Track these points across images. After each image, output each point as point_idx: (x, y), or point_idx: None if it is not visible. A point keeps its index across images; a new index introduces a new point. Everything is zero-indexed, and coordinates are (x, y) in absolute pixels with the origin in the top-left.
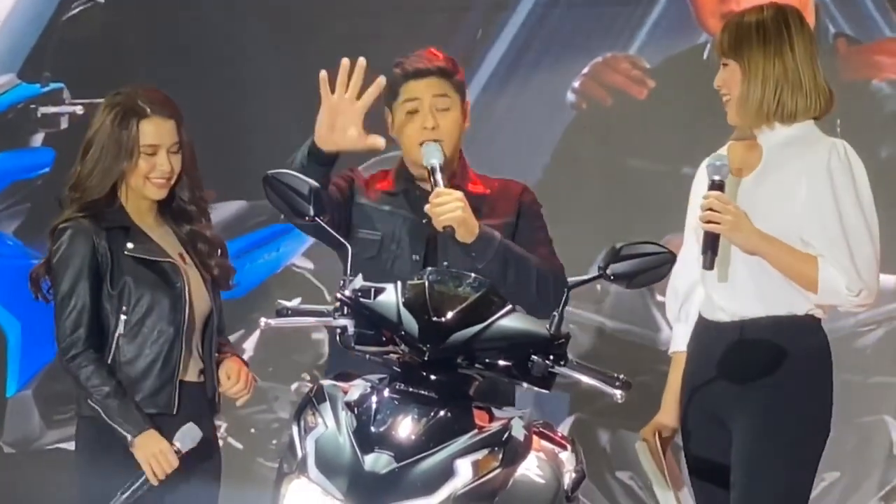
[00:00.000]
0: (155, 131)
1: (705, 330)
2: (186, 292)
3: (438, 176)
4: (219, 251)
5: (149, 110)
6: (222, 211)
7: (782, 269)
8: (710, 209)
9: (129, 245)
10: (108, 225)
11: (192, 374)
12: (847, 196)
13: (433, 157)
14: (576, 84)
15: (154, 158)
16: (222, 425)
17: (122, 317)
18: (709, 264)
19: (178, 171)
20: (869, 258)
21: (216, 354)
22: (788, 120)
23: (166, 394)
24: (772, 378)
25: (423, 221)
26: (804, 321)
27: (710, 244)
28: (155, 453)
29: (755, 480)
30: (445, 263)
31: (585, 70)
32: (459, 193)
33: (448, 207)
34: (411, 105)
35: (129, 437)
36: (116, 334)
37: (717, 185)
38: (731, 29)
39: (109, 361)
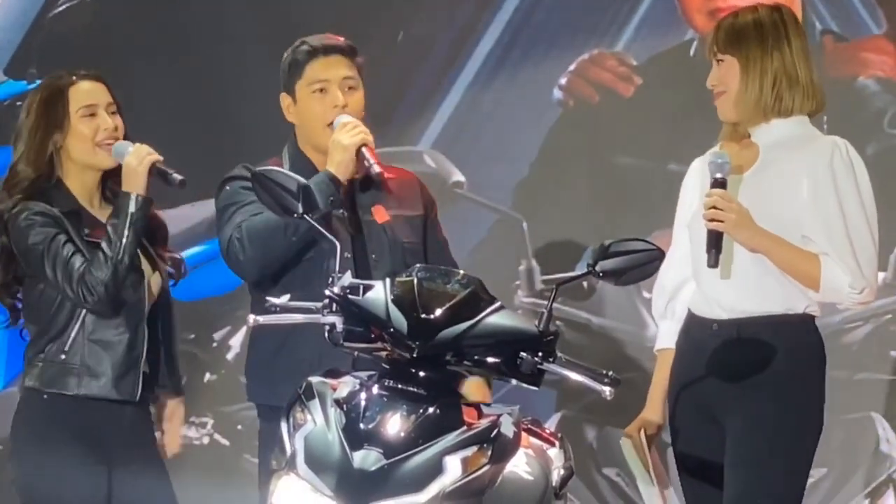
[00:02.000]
0: (88, 92)
1: (698, 327)
2: (146, 279)
3: (367, 153)
4: (166, 238)
5: (74, 77)
6: (207, 208)
7: (784, 266)
8: (714, 207)
9: (86, 230)
10: (61, 209)
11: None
12: (850, 195)
13: None
14: (562, 81)
15: (95, 119)
16: (209, 422)
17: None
18: (713, 262)
19: (122, 131)
20: (871, 257)
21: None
22: (785, 114)
23: (130, 381)
24: (768, 376)
25: (342, 213)
26: (801, 319)
27: (714, 242)
28: (144, 154)
29: (750, 478)
30: (374, 256)
31: (572, 67)
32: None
33: (355, 131)
34: (319, 84)
35: (131, 196)
36: (83, 311)
37: (719, 183)
38: (726, 26)
39: (73, 335)
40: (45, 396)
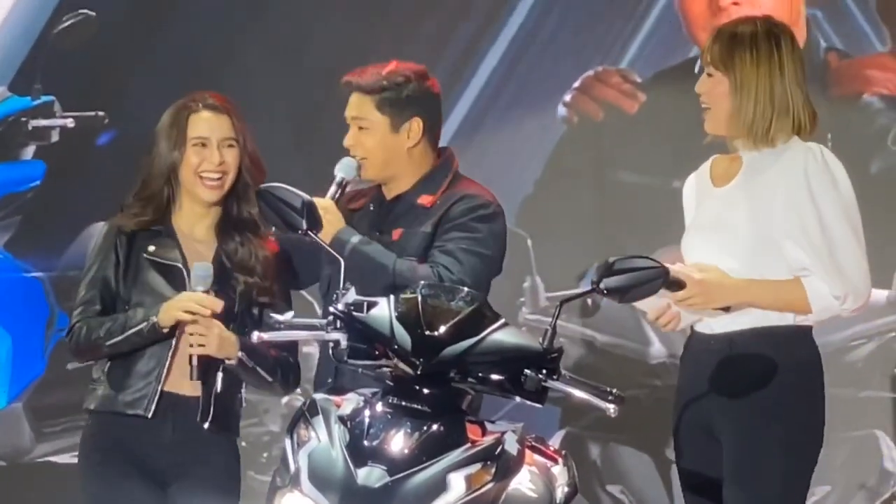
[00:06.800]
0: (205, 124)
1: (697, 342)
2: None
3: (333, 189)
4: (256, 269)
5: (200, 105)
6: None
7: (770, 306)
8: (681, 304)
9: (151, 248)
10: (150, 220)
11: (186, 388)
12: (826, 199)
13: (341, 170)
14: (567, 98)
15: (204, 150)
16: None
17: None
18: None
19: (233, 166)
20: (853, 261)
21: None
22: (773, 143)
23: (147, 398)
24: (762, 390)
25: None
26: (793, 331)
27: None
28: (186, 300)
29: (747, 493)
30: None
31: (576, 84)
32: (326, 202)
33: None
34: (347, 120)
35: (152, 320)
36: None
37: (673, 283)
38: (723, 40)
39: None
40: (92, 411)
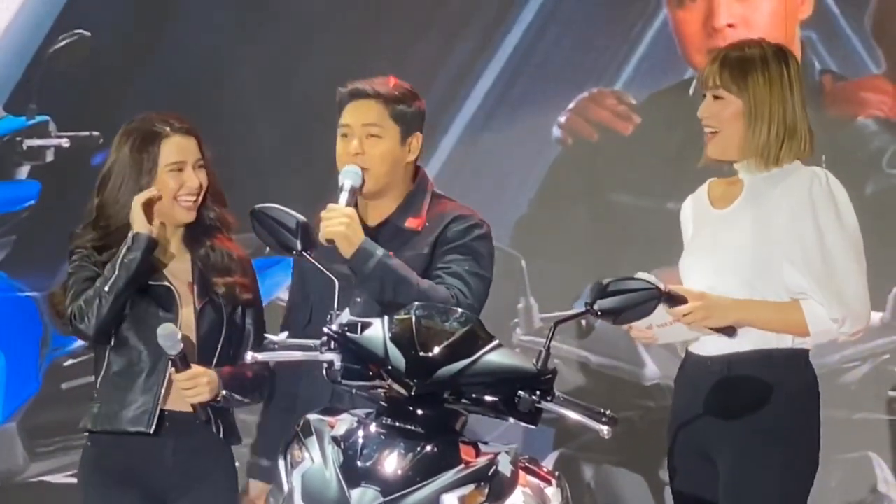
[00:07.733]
0: (178, 148)
1: (693, 365)
2: (179, 319)
3: (347, 196)
4: (233, 269)
5: (168, 129)
6: None
7: (769, 326)
8: (682, 319)
9: None
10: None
11: (182, 404)
12: (830, 224)
13: (348, 178)
14: (562, 119)
15: (181, 175)
16: None
17: (112, 339)
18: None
19: (205, 186)
20: (854, 285)
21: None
22: (781, 164)
23: (148, 414)
24: (759, 412)
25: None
26: (791, 354)
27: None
28: (135, 204)
29: None
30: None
31: (571, 105)
32: (349, 210)
33: (332, 222)
34: (344, 129)
35: (130, 235)
36: (107, 348)
37: (671, 298)
38: (732, 63)
39: (101, 374)
40: (86, 435)
